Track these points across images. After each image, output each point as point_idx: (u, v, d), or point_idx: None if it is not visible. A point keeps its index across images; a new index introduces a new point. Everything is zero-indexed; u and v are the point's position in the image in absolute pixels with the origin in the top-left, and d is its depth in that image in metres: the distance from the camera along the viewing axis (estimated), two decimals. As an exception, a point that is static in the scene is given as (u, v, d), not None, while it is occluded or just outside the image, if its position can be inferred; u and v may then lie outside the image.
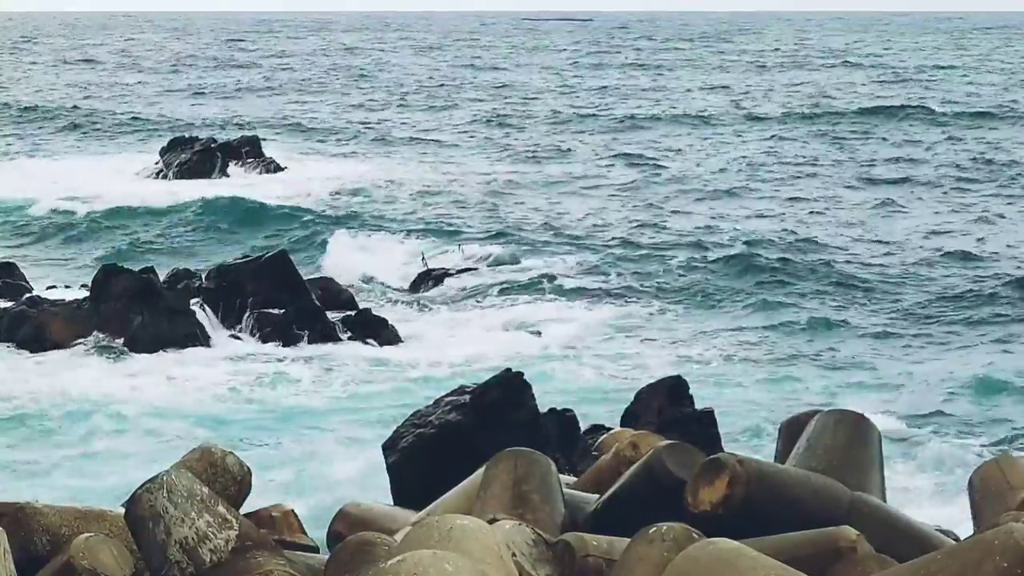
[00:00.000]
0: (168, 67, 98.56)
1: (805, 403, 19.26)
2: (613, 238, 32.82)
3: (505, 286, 27.84)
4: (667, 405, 15.86)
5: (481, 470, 6.74)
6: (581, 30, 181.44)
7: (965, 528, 6.75)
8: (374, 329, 23.96)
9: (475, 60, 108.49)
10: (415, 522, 6.25)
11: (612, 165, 45.79)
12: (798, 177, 42.68)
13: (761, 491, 5.98)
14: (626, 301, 26.81)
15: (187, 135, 49.27)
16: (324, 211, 36.77)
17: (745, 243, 31.79)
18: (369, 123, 59.65)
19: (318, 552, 6.75)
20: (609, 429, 14.07)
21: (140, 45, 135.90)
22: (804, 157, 47.19)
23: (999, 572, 4.88)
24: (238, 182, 41.96)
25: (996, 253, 30.76)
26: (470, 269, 29.35)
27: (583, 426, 15.96)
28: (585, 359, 22.87)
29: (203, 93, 75.88)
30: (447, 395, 15.40)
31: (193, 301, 23.93)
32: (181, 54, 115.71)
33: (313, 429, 19.30)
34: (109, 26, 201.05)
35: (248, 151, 45.33)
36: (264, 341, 23.28)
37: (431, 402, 15.43)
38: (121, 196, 39.11)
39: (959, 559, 5.05)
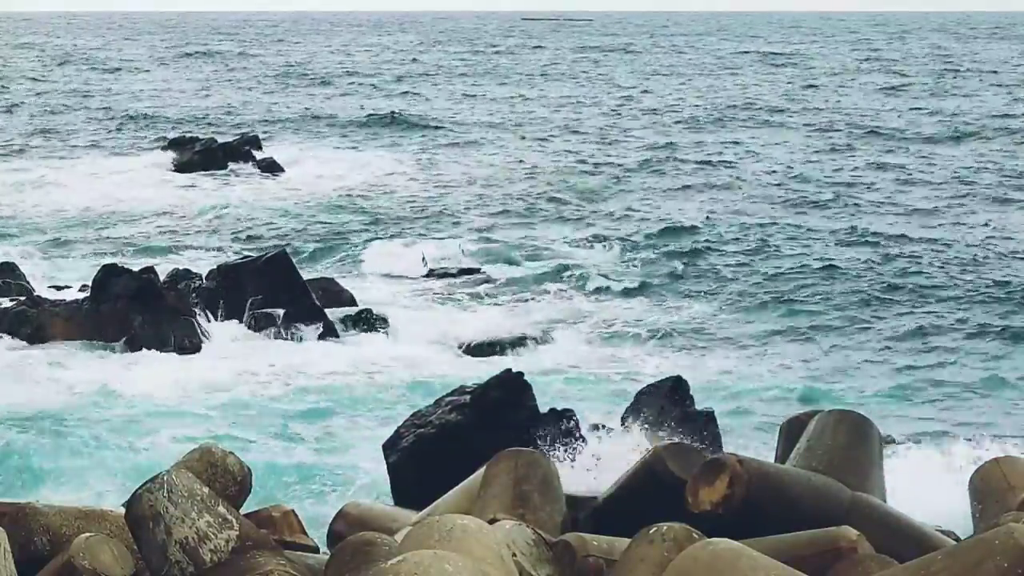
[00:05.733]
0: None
1: (805, 403, 19.26)
2: (616, 240, 32.80)
3: (506, 286, 27.85)
4: (667, 405, 15.86)
5: (481, 470, 6.74)
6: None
7: (965, 528, 6.75)
8: (375, 329, 23.96)
9: (474, 58, 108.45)
10: (415, 522, 6.24)
11: (614, 167, 45.76)
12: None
13: (761, 491, 5.97)
14: (628, 302, 26.82)
15: (187, 135, 49.35)
16: (324, 211, 36.78)
17: (745, 245, 31.81)
18: (369, 124, 59.61)
19: (318, 552, 6.74)
20: (609, 429, 14.09)
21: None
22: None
23: (999, 572, 4.88)
24: (239, 182, 41.99)
25: (999, 255, 30.74)
26: (471, 268, 29.35)
27: (583, 426, 15.96)
28: (586, 359, 22.86)
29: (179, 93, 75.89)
30: (447, 395, 15.40)
31: (193, 301, 23.94)
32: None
33: (312, 428, 19.29)
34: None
35: (248, 151, 45.36)
36: (264, 341, 23.26)
37: (431, 402, 15.44)
38: (121, 196, 39.16)
39: (959, 559, 5.04)
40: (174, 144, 46.76)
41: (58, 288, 26.51)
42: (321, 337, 23.37)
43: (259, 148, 46.01)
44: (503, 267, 29.68)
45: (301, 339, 23.30)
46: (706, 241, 32.19)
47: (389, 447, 14.47)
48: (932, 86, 75.79)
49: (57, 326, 22.94)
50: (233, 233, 33.94)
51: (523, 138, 53.50)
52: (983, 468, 6.88)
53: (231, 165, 44.23)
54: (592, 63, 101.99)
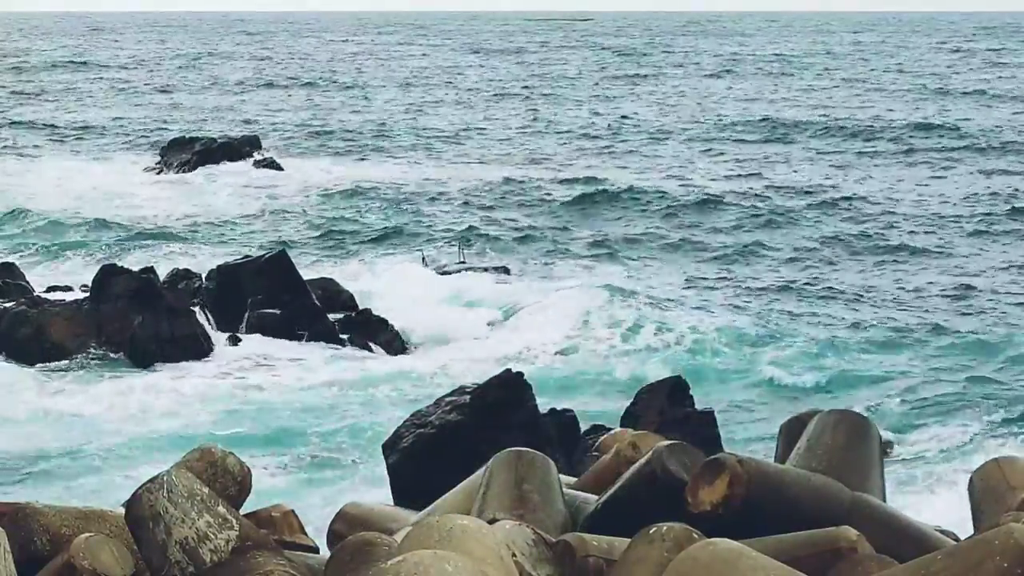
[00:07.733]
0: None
1: (805, 403, 19.27)
2: (617, 242, 32.82)
3: (506, 286, 27.87)
4: (667, 405, 15.89)
5: (481, 470, 6.73)
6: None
7: (965, 528, 6.75)
8: (374, 329, 23.97)
9: (476, 59, 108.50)
10: (415, 522, 6.24)
11: (615, 167, 45.80)
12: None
13: (761, 491, 5.96)
14: (629, 303, 26.82)
15: (186, 135, 49.40)
16: (324, 211, 36.80)
17: (746, 249, 31.83)
18: (369, 126, 59.65)
19: (318, 552, 6.74)
20: (609, 429, 14.09)
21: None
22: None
23: (999, 572, 4.87)
24: (238, 182, 42.00)
25: (1004, 257, 30.80)
26: (470, 269, 29.38)
27: (583, 426, 15.98)
28: (586, 359, 22.88)
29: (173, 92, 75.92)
30: (447, 395, 15.43)
31: (193, 301, 23.95)
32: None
33: (312, 429, 19.31)
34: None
35: (248, 151, 45.38)
36: (264, 341, 23.28)
37: (431, 401, 15.46)
38: (121, 195, 39.18)
39: (959, 559, 5.03)
40: (174, 144, 46.79)
41: (58, 288, 26.53)
42: (320, 337, 23.38)
43: (258, 148, 46.05)
44: (502, 268, 29.69)
45: (300, 339, 23.31)
46: (708, 244, 32.22)
47: (389, 447, 14.50)
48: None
49: (57, 326, 22.94)
50: (233, 233, 33.95)
51: (523, 139, 53.53)
52: (983, 468, 6.85)
53: (230, 165, 44.24)
54: (593, 63, 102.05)
